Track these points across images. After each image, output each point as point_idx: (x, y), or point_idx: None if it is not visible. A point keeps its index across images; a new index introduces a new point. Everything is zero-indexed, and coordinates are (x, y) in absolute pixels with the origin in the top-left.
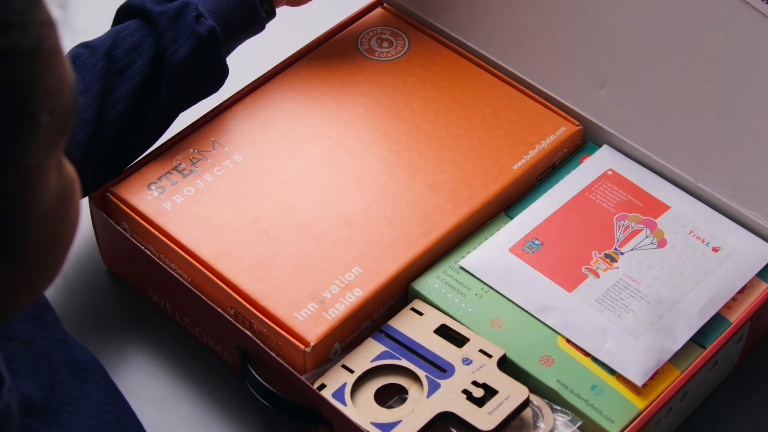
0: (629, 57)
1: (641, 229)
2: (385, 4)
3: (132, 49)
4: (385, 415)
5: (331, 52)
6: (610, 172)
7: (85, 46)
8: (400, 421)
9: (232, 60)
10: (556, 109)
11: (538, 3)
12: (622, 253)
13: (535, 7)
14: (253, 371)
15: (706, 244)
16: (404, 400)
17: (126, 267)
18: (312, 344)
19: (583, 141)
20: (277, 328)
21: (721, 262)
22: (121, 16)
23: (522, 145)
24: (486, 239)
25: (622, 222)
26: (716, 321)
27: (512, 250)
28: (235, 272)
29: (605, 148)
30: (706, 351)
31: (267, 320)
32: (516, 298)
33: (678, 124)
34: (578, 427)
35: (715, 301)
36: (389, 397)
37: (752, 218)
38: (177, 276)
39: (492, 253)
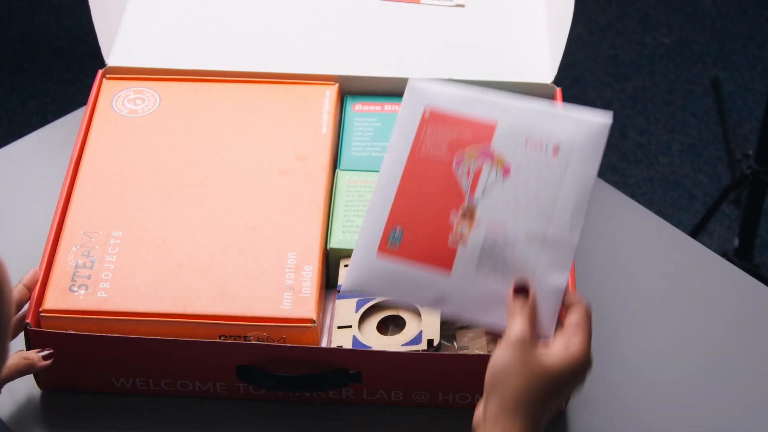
0: None
1: (481, 166)
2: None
3: None
4: (399, 337)
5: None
6: (427, 115)
7: None
8: (421, 331)
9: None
10: (309, 82)
11: None
12: (476, 204)
13: None
14: (265, 371)
15: (545, 151)
16: (400, 324)
17: (77, 374)
18: (314, 319)
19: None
20: (279, 324)
21: (566, 162)
22: None
23: (310, 121)
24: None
25: (462, 167)
26: None
27: (380, 250)
28: (206, 306)
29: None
30: None
31: (264, 323)
32: (407, 301)
33: None
34: None
35: (579, 206)
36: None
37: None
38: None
39: (365, 264)
